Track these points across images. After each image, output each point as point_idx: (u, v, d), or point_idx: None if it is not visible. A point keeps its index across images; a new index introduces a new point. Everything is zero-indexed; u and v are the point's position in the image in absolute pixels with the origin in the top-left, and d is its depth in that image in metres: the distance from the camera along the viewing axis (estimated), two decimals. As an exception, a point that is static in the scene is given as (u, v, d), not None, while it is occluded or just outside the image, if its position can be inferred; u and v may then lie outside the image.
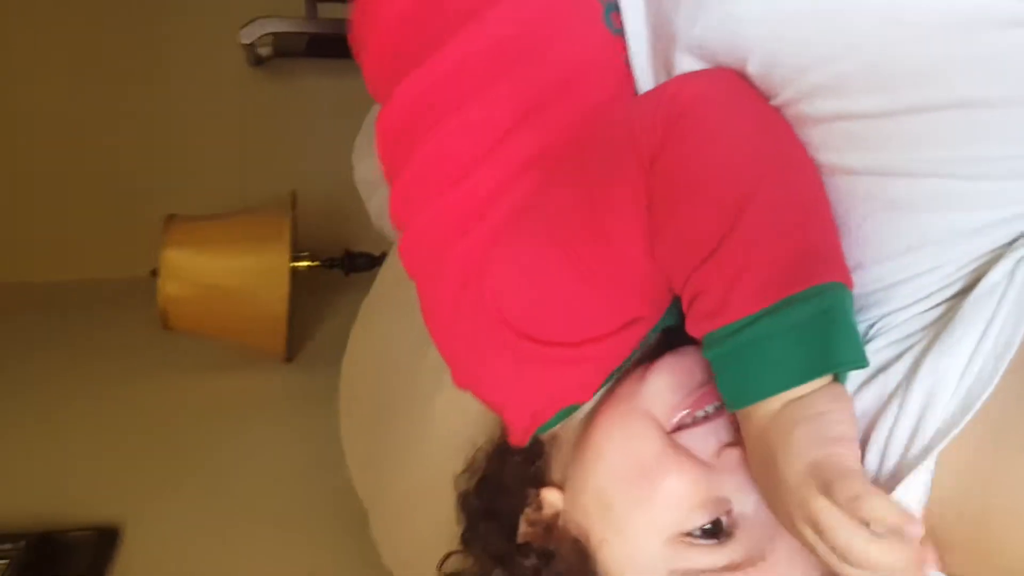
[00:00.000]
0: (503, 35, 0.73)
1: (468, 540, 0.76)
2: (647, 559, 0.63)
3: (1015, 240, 0.57)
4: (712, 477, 0.63)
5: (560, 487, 0.71)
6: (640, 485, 0.64)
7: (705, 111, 0.61)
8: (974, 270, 0.58)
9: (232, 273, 1.75)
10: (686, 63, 0.66)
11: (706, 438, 0.65)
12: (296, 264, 1.80)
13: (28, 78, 2.09)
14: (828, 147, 0.60)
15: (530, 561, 0.68)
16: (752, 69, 0.62)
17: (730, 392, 0.57)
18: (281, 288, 1.75)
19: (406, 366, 1.15)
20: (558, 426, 0.72)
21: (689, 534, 0.62)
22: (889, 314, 0.60)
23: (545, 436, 0.74)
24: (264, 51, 2.08)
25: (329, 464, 1.32)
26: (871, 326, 0.61)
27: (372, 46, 0.84)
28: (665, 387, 0.67)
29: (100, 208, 2.15)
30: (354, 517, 1.22)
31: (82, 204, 2.15)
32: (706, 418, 0.66)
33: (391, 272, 1.35)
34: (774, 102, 0.62)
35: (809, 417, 0.53)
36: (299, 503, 1.45)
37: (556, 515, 0.70)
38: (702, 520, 0.62)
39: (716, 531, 0.62)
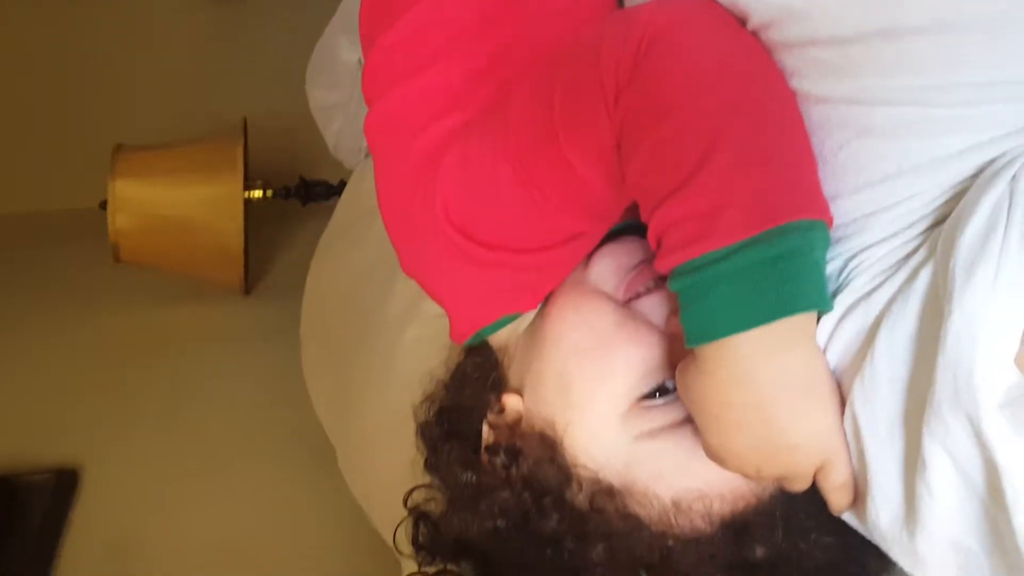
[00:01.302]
0: None
1: (433, 465, 0.74)
2: (611, 431, 0.64)
3: (994, 160, 0.55)
4: (665, 342, 0.64)
5: (519, 392, 0.70)
6: (598, 357, 0.65)
7: (678, 37, 0.57)
8: (953, 197, 0.56)
9: (184, 204, 1.71)
10: None
11: (658, 305, 0.66)
12: (250, 194, 1.76)
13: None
14: (800, 74, 0.58)
15: (499, 459, 0.67)
16: None
17: (699, 323, 0.55)
18: (236, 219, 1.70)
19: (371, 301, 1.13)
20: (508, 337, 0.73)
21: (646, 397, 0.64)
22: (868, 248, 0.58)
23: (496, 348, 0.74)
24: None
25: (292, 398, 1.31)
26: (850, 259, 0.59)
27: None
28: (611, 266, 0.69)
29: (44, 138, 2.08)
30: (320, 452, 1.21)
31: (25, 134, 2.07)
32: (650, 290, 0.67)
33: (350, 204, 1.31)
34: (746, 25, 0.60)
35: (804, 376, 0.55)
36: (262, 438, 1.44)
37: (519, 417, 0.69)
38: (656, 382, 0.64)
39: (667, 390, 0.64)
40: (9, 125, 2.07)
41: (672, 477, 0.63)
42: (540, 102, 0.63)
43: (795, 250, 0.52)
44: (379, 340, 1.09)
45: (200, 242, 1.72)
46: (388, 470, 1.04)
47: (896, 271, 0.56)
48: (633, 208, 0.61)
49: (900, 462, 0.53)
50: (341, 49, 1.30)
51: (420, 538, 0.73)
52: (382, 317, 1.10)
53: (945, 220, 0.55)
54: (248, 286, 1.81)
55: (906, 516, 0.54)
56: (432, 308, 1.00)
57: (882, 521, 0.55)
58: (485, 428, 0.71)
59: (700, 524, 0.62)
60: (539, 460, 0.65)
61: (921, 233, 0.57)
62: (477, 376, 0.74)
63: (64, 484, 1.30)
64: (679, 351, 0.62)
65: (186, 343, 1.68)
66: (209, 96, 2.07)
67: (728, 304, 0.52)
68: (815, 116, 0.58)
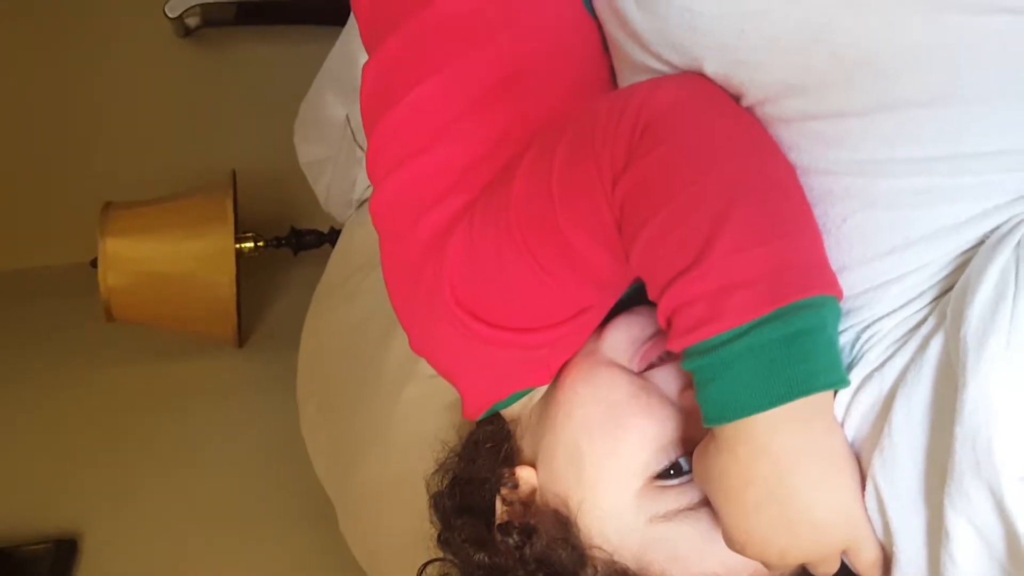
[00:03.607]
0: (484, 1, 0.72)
1: (446, 540, 0.73)
2: (626, 511, 0.63)
3: (998, 227, 0.55)
4: (679, 416, 0.63)
5: (532, 465, 0.70)
6: (610, 431, 0.64)
7: (673, 119, 0.57)
8: (959, 266, 0.56)
9: (175, 259, 1.69)
10: (648, 62, 0.63)
11: (671, 377, 0.65)
12: (241, 245, 1.75)
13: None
14: (800, 148, 0.58)
15: (512, 539, 0.66)
16: (711, 69, 0.59)
17: (716, 403, 0.54)
18: (227, 272, 1.69)
19: (367, 358, 1.12)
20: (521, 409, 0.73)
21: (660, 476, 0.63)
22: (879, 319, 0.58)
23: (509, 420, 0.74)
24: (192, 22, 2.00)
25: (291, 454, 1.30)
26: (862, 331, 0.59)
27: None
28: (625, 337, 0.68)
29: (31, 194, 2.06)
30: (320, 510, 1.19)
31: (11, 191, 2.06)
32: (664, 361, 0.67)
33: (342, 259, 1.31)
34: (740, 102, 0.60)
35: (824, 451, 0.55)
36: (262, 497, 1.42)
37: (532, 492, 0.69)
38: (671, 459, 0.63)
39: (682, 469, 0.63)
40: (-3, 182, 2.06)
41: (688, 561, 0.62)
42: (539, 183, 0.62)
43: (809, 327, 0.52)
44: (376, 399, 1.08)
45: (192, 296, 1.70)
46: (391, 531, 1.03)
47: (906, 341, 0.56)
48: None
49: (924, 533, 0.53)
50: (328, 105, 1.30)
51: None
52: (379, 375, 1.09)
53: (951, 289, 0.55)
54: (242, 338, 1.79)
55: None
56: (427, 368, 1.00)
57: None
58: (498, 504, 0.70)
59: None
60: (553, 540, 0.64)
61: (929, 303, 0.57)
62: (490, 446, 0.73)
63: (64, 553, 1.29)
64: (694, 426, 0.61)
65: (182, 399, 1.66)
66: (196, 146, 2.06)
67: (745, 384, 0.52)
68: (816, 188, 0.57)
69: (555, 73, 0.72)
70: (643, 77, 0.64)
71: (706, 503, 0.60)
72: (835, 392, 0.56)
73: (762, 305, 0.51)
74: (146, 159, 2.05)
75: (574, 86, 0.72)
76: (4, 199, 2.06)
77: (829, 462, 0.55)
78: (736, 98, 0.60)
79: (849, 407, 0.57)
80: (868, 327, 0.58)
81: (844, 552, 0.56)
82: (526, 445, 0.72)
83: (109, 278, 1.65)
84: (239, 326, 1.75)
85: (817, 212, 0.57)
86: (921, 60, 0.53)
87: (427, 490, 0.78)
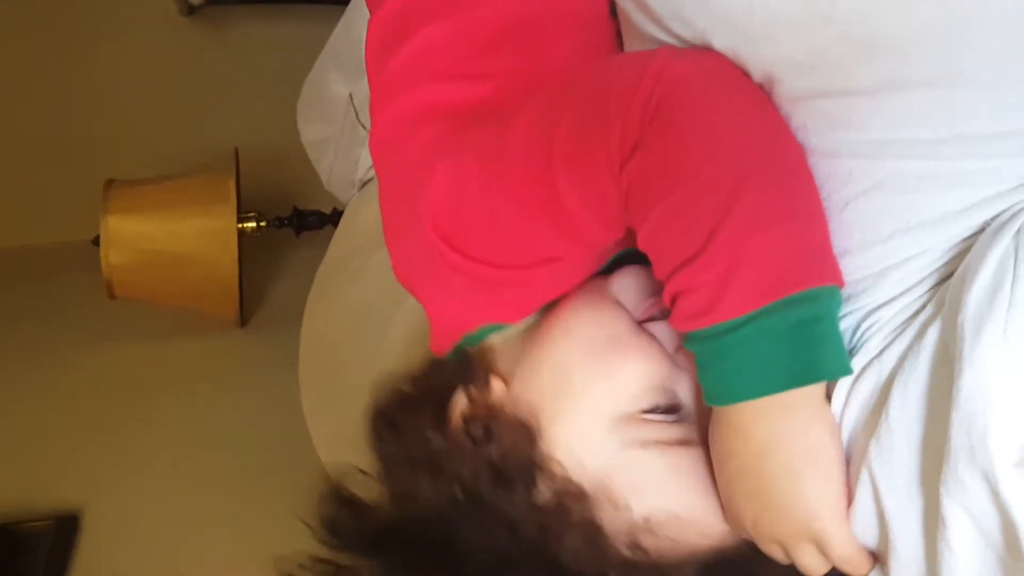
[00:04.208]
0: None
1: (392, 430, 0.68)
2: (600, 432, 0.62)
3: (998, 215, 0.55)
4: (673, 368, 0.63)
5: (505, 380, 0.67)
6: (607, 356, 0.63)
7: (692, 96, 0.57)
8: (958, 253, 0.56)
9: (178, 238, 1.69)
10: (657, 34, 0.63)
11: (670, 333, 0.64)
12: (244, 225, 1.75)
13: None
14: (806, 128, 0.57)
15: (476, 431, 0.64)
16: (719, 44, 0.59)
17: (713, 387, 0.56)
18: (230, 251, 1.69)
19: (369, 340, 1.12)
20: (497, 340, 0.71)
21: (644, 411, 0.62)
22: (880, 307, 0.58)
23: (480, 352, 0.71)
24: (196, 0, 2.00)
25: (292, 433, 1.30)
26: (863, 318, 0.58)
27: None
28: (634, 284, 0.67)
29: (33, 171, 2.07)
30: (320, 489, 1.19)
31: (14, 168, 2.06)
32: (666, 316, 0.64)
33: (345, 239, 1.31)
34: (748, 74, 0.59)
35: (804, 445, 0.55)
36: (263, 476, 1.42)
37: (500, 400, 0.66)
38: (659, 401, 0.62)
39: (675, 409, 0.63)
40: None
41: (651, 493, 0.61)
42: (541, 136, 0.61)
43: (810, 319, 0.52)
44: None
45: (194, 275, 1.71)
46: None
47: (904, 329, 0.56)
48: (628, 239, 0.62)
49: (920, 520, 0.53)
50: (331, 84, 1.29)
51: (339, 523, 0.66)
52: (380, 357, 1.09)
53: (950, 276, 0.55)
54: (244, 318, 1.80)
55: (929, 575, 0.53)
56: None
57: None
58: (462, 397, 0.67)
59: (665, 548, 0.60)
60: (515, 444, 0.62)
61: (928, 291, 0.56)
62: (456, 368, 0.70)
63: (65, 530, 1.29)
64: (680, 383, 0.63)
65: (184, 379, 1.67)
66: (199, 125, 2.06)
67: (739, 373, 0.53)
68: (821, 170, 0.57)
69: (562, 31, 0.72)
70: (651, 48, 0.64)
71: (688, 444, 0.61)
72: (828, 384, 0.56)
73: (761, 296, 0.52)
74: (149, 137, 2.05)
75: (581, 47, 0.71)
76: (6, 176, 2.06)
77: (804, 454, 0.55)
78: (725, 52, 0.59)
79: (849, 396, 0.56)
80: (869, 314, 0.58)
81: (815, 543, 0.57)
82: (502, 363, 0.69)
83: (111, 256, 1.65)
84: (241, 305, 1.76)
85: (821, 195, 0.57)
86: (930, 40, 0.52)
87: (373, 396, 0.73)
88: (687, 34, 0.61)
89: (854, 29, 0.53)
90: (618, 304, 0.67)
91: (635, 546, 0.60)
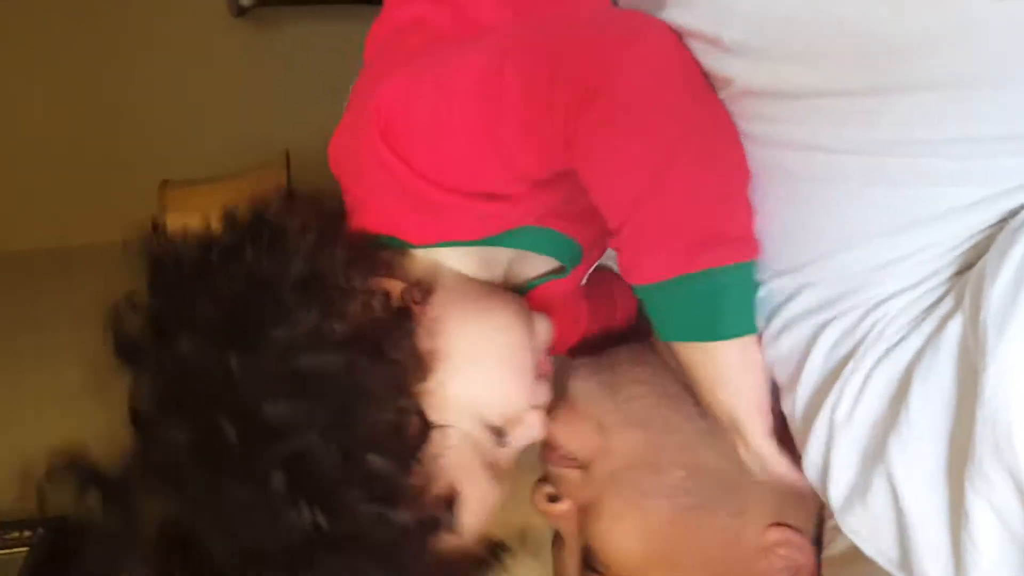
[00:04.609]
0: None
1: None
2: (457, 414, 0.65)
3: (1015, 210, 0.55)
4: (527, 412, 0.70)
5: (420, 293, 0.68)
6: (514, 377, 0.69)
7: (642, 77, 0.61)
8: (973, 245, 0.56)
9: (231, 237, 1.72)
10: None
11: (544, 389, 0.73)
12: (295, 224, 1.77)
13: (5, 44, 2.03)
14: (808, 124, 0.58)
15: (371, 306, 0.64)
16: (731, 36, 0.59)
17: (655, 323, 0.66)
18: (281, 250, 1.71)
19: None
20: (411, 259, 0.71)
21: (489, 425, 0.68)
22: (889, 299, 0.58)
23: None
24: (247, 1, 2.03)
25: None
26: (870, 310, 0.59)
27: None
28: (546, 331, 0.74)
29: (90, 174, 2.11)
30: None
31: (71, 169, 2.11)
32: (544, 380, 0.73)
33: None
34: (749, 74, 0.60)
35: (719, 370, 0.65)
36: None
37: (402, 300, 0.66)
38: (503, 427, 0.68)
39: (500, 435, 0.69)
40: (55, 162, 2.11)
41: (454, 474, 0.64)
42: (495, 75, 0.63)
43: (711, 291, 0.61)
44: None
45: (247, 274, 1.73)
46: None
47: (921, 322, 0.56)
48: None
49: (945, 514, 0.54)
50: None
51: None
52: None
53: (969, 267, 0.55)
54: (296, 315, 1.82)
55: (956, 569, 0.54)
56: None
57: (933, 575, 0.55)
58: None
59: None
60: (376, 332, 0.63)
61: (945, 281, 0.57)
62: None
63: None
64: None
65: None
66: (250, 126, 2.09)
67: (660, 322, 0.65)
68: (822, 166, 0.58)
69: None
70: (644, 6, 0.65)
71: (494, 466, 0.68)
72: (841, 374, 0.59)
73: (668, 270, 0.61)
74: (201, 138, 2.08)
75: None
76: (65, 177, 2.11)
77: (715, 376, 0.66)
78: (746, 68, 0.60)
79: (863, 388, 0.57)
80: (877, 306, 0.58)
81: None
82: (415, 272, 0.69)
83: (168, 254, 1.68)
84: (292, 303, 1.78)
85: (821, 190, 0.58)
86: (933, 44, 0.52)
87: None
88: (708, 26, 0.61)
89: (860, 32, 0.54)
90: (530, 334, 0.71)
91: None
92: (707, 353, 0.64)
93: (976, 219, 0.55)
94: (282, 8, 2.10)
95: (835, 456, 0.59)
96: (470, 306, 0.69)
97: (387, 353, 0.61)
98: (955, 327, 0.53)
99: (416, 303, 0.65)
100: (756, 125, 0.61)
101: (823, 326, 0.61)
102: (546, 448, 0.81)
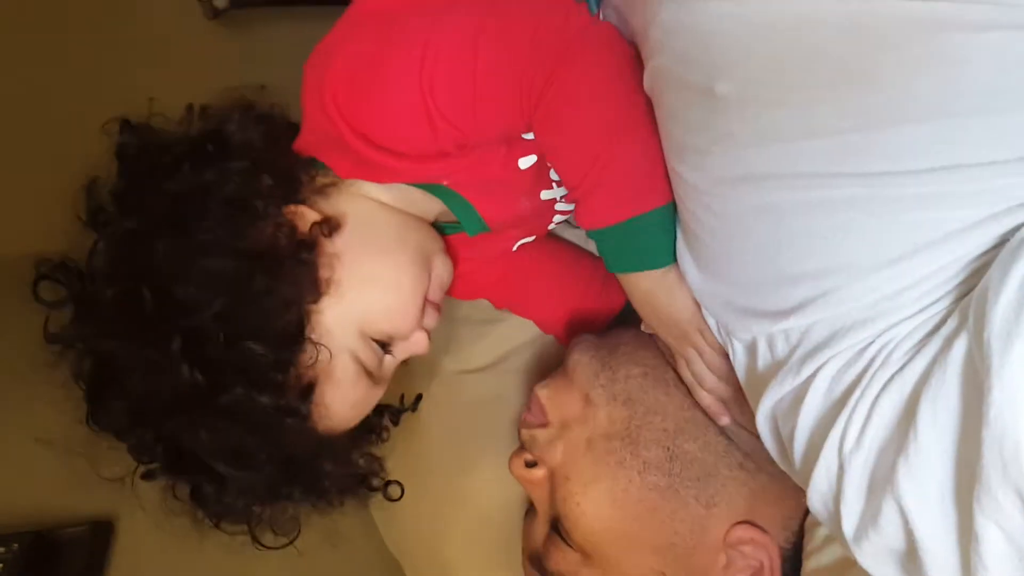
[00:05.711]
0: None
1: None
2: (349, 326, 0.77)
3: (1015, 228, 0.55)
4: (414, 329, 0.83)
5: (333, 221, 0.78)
6: (403, 304, 0.80)
7: (594, 76, 0.73)
8: (975, 270, 0.56)
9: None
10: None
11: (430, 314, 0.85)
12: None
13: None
14: (803, 158, 0.59)
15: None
16: (723, 89, 0.61)
17: (606, 260, 0.82)
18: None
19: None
20: (335, 186, 0.81)
21: (376, 340, 0.79)
22: (896, 325, 0.59)
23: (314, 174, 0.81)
24: (220, 3, 2.01)
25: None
26: (878, 336, 0.59)
27: None
28: (445, 273, 0.86)
29: (59, 176, 2.07)
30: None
31: (40, 173, 2.07)
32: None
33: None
34: (741, 128, 0.61)
35: (652, 291, 0.79)
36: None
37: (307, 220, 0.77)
38: (386, 340, 0.80)
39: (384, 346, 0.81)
40: (28, 166, 2.07)
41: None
42: (465, 47, 0.72)
43: (638, 230, 0.77)
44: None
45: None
46: (424, 518, 1.04)
47: (926, 344, 0.56)
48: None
49: (955, 534, 0.54)
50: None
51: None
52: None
53: (970, 291, 0.55)
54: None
55: None
56: (451, 364, 1.01)
57: None
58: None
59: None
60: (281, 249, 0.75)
61: (948, 306, 0.57)
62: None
63: (100, 536, 1.30)
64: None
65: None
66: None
67: (606, 258, 0.81)
68: (818, 198, 0.59)
69: None
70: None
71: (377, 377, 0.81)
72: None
73: (608, 218, 0.77)
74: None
75: None
76: (35, 180, 2.07)
77: (646, 298, 0.81)
78: (741, 115, 0.62)
79: (870, 413, 0.58)
80: (881, 334, 0.59)
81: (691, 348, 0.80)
82: (323, 203, 0.80)
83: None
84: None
85: (816, 219, 0.59)
86: (918, 76, 0.53)
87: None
88: (698, 77, 0.63)
89: (845, 67, 0.55)
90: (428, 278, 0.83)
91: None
92: (650, 279, 0.78)
93: (978, 241, 0.56)
94: (256, 10, 2.08)
95: (847, 485, 0.59)
96: (376, 236, 0.80)
97: (282, 273, 0.72)
98: (961, 346, 0.53)
99: (324, 236, 0.76)
100: (750, 172, 0.62)
101: (824, 364, 0.62)
102: (524, 410, 0.91)
